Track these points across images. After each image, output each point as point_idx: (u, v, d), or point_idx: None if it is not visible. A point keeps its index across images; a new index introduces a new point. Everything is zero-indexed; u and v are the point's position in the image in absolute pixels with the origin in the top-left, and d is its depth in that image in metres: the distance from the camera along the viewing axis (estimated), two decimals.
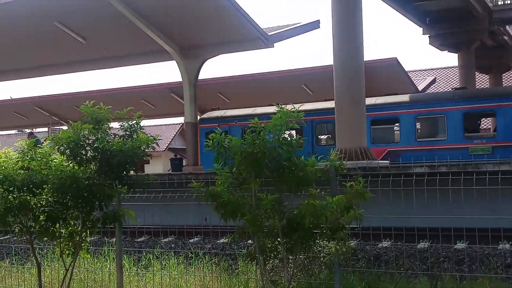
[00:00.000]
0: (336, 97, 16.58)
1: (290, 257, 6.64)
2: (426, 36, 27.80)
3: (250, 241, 6.54)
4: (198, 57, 20.38)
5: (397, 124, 20.98)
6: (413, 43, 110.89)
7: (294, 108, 6.25)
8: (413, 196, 10.18)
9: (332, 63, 16.95)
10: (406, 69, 27.75)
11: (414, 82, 29.73)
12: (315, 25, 22.08)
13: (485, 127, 28.60)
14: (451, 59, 53.00)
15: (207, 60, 20.68)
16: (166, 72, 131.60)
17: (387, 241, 10.49)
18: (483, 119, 25.32)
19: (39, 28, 19.32)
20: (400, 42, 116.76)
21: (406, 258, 9.11)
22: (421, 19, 26.82)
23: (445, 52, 29.58)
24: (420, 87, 30.57)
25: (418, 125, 21.05)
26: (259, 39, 18.66)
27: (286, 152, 6.08)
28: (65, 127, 34.09)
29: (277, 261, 6.70)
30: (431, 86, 34.23)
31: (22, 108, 35.38)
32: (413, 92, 25.31)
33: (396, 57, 25.05)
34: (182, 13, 18.05)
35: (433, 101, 20.76)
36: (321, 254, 6.72)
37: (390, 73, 25.37)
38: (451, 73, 37.66)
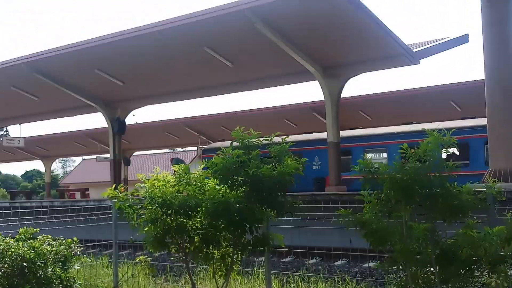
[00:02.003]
0: (488, 114, 15.61)
1: None
2: None
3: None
4: (340, 76, 20.30)
5: None
6: None
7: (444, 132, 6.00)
8: None
9: (482, 78, 16.03)
10: None
11: None
12: (463, 39, 21.07)
13: None
14: None
15: (350, 78, 20.54)
16: (308, 90, 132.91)
17: None
18: None
19: (190, 54, 20.47)
20: None
21: None
22: None
23: None
24: None
25: None
26: (404, 56, 18.17)
27: (439, 178, 5.83)
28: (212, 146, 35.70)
29: None
30: None
31: (173, 128, 37.66)
32: None
33: None
34: (324, 33, 18.14)
35: None
36: (476, 284, 6.33)
37: None
38: None
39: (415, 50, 18.71)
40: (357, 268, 11.16)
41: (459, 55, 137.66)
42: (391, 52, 18.24)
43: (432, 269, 5.90)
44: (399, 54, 18.21)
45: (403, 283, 6.18)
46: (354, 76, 20.65)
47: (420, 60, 18.53)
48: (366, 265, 11.29)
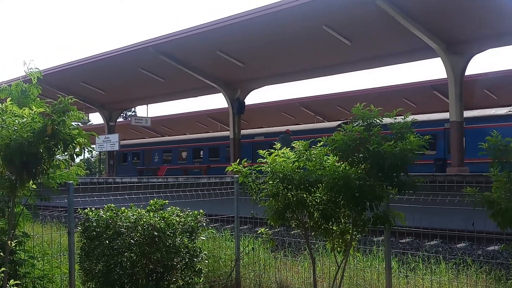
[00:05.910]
0: None
1: None
2: None
3: None
4: (465, 53, 19.38)
5: None
6: None
7: None
8: None
9: None
10: None
11: None
12: None
13: None
14: None
15: (475, 55, 19.54)
16: (426, 69, 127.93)
17: None
18: None
19: (308, 33, 20.47)
20: None
21: None
22: None
23: None
24: None
25: None
26: None
27: None
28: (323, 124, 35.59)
29: None
30: None
31: (289, 108, 37.97)
32: None
33: None
34: (448, 7, 17.36)
35: None
36: None
37: None
38: None
39: None
40: (480, 250, 10.74)
41: None
42: None
43: None
44: None
45: None
46: (480, 52, 19.65)
47: None
48: (490, 247, 10.83)
